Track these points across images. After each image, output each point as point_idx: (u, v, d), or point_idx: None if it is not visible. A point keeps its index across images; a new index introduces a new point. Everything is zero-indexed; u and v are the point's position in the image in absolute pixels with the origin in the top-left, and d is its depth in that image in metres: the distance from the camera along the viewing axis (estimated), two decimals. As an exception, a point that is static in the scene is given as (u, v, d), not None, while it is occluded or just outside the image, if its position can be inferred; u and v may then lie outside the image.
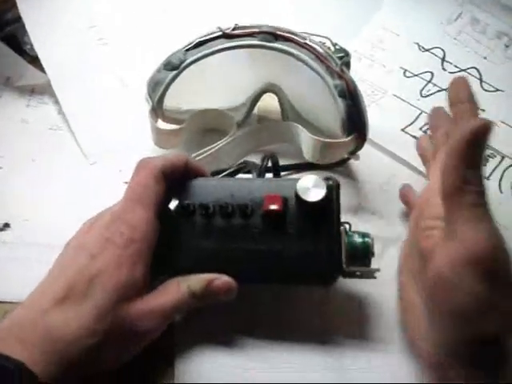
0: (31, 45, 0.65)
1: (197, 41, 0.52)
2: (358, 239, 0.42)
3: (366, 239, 0.42)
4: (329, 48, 0.53)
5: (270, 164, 0.49)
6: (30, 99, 0.63)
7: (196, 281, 0.40)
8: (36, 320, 0.36)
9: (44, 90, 0.63)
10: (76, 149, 0.58)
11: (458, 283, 0.35)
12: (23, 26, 0.65)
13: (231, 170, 0.50)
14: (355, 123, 0.50)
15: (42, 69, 0.63)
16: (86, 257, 0.39)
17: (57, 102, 0.62)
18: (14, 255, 0.50)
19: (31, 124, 0.61)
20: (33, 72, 0.64)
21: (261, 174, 0.48)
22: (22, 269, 0.49)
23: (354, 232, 0.43)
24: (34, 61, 0.65)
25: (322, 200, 0.41)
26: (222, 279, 0.40)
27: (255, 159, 0.55)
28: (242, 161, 0.51)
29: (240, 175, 0.50)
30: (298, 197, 0.41)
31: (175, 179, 0.43)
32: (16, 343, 0.35)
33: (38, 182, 0.56)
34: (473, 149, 0.36)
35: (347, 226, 0.44)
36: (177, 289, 0.40)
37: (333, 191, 0.42)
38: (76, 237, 0.42)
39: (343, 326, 0.45)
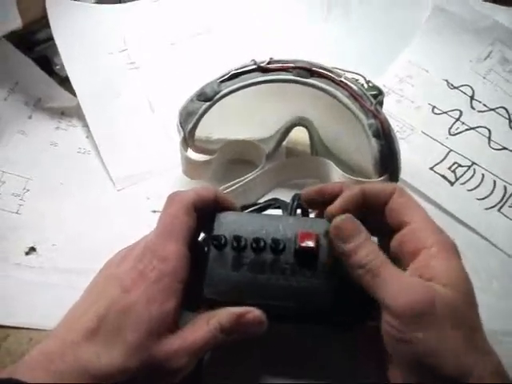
0: (62, 65, 0.65)
1: (232, 73, 0.53)
2: None
3: None
4: (362, 85, 0.53)
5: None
6: (60, 121, 0.63)
7: (226, 315, 0.39)
8: (66, 352, 0.36)
9: (73, 113, 0.64)
10: (104, 174, 0.59)
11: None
12: (54, 46, 0.66)
13: (261, 205, 0.50)
14: (388, 164, 0.50)
15: (72, 91, 0.64)
16: (119, 289, 0.38)
17: (86, 125, 0.62)
18: (40, 280, 0.50)
19: (60, 147, 0.61)
20: (63, 94, 0.64)
21: (291, 213, 0.48)
22: (48, 294, 0.49)
23: None
24: (64, 82, 0.65)
25: None
26: (253, 313, 0.40)
27: (283, 194, 0.55)
28: (271, 198, 0.51)
29: (269, 211, 0.50)
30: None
31: (205, 212, 0.43)
32: (45, 375, 0.35)
33: (65, 206, 0.56)
34: None
35: None
36: (206, 325, 0.39)
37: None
38: (108, 267, 0.42)
39: (368, 369, 0.44)
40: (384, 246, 0.41)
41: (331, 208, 0.43)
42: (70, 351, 0.36)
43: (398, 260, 0.39)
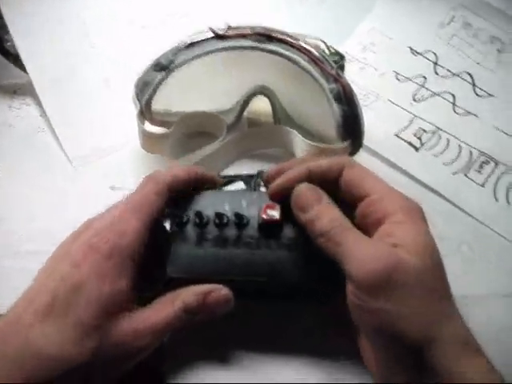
0: (12, 42, 0.62)
1: (187, 41, 0.51)
2: None
3: None
4: (323, 51, 0.51)
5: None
6: (13, 100, 0.61)
7: (190, 294, 0.38)
8: (18, 335, 0.34)
9: (26, 91, 0.61)
10: (60, 152, 0.56)
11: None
12: (4, 24, 0.63)
13: (224, 180, 0.49)
14: (351, 129, 0.48)
15: (24, 68, 0.61)
16: (69, 265, 0.36)
17: (39, 103, 0.59)
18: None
19: (13, 126, 0.58)
20: (14, 71, 0.61)
21: (254, 188, 0.47)
22: (4, 278, 0.47)
23: None
24: (17, 60, 0.62)
25: None
26: (219, 291, 0.38)
27: (246, 165, 0.54)
28: (233, 174, 0.50)
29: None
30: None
31: (184, 192, 0.43)
32: None
33: (19, 187, 0.53)
34: None
35: None
36: (170, 305, 0.37)
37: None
38: (62, 244, 0.40)
39: (340, 342, 0.43)
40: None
41: (271, 187, 0.42)
42: (23, 334, 0.34)
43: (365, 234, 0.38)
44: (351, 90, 0.49)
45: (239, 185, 0.51)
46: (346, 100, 0.48)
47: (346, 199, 0.40)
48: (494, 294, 0.48)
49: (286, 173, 0.41)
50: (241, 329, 0.43)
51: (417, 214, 0.38)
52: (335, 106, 0.48)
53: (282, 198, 0.41)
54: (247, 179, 0.49)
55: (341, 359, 0.42)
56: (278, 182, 0.41)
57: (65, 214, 0.50)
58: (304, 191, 0.39)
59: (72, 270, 0.36)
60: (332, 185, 0.40)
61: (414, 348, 0.33)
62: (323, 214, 0.38)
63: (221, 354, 0.42)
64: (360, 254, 0.35)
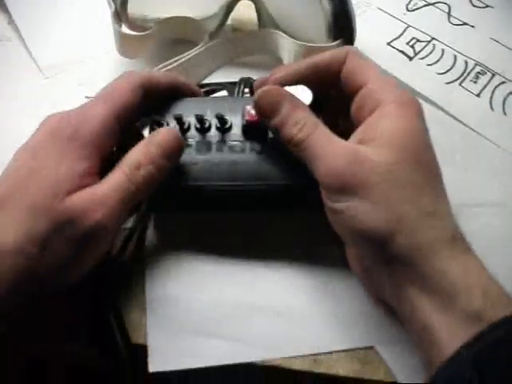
0: None
1: None
2: None
3: None
4: None
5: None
6: (-26, 7, 0.56)
7: (137, 150, 0.36)
8: None
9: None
10: (30, 62, 0.53)
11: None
12: None
13: (206, 88, 0.46)
14: (343, 26, 0.45)
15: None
16: (28, 154, 0.34)
17: (6, 10, 0.55)
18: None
19: (-24, 35, 0.54)
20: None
21: (238, 95, 0.45)
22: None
23: None
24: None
25: (311, 105, 0.37)
26: (162, 132, 0.36)
27: (230, 74, 0.51)
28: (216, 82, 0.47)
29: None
30: None
31: (157, 97, 0.40)
32: None
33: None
34: None
35: None
36: (119, 169, 0.35)
37: (319, 100, 0.38)
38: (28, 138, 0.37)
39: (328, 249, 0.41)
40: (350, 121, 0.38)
41: (270, 79, 0.39)
42: None
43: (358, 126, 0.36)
44: (342, -14, 0.45)
45: (222, 94, 0.49)
46: (337, -4, 0.45)
47: (346, 91, 0.38)
48: (488, 203, 0.46)
49: (288, 67, 0.39)
50: (226, 239, 0.41)
51: (411, 108, 0.36)
52: (325, 1, 0.44)
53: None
54: (230, 88, 0.47)
55: (327, 264, 0.41)
56: (276, 75, 0.39)
57: (37, 125, 0.47)
58: (265, 96, 0.36)
59: (29, 159, 0.34)
60: (333, 79, 0.38)
61: (380, 242, 0.32)
62: (288, 118, 0.35)
63: (198, 270, 0.40)
64: (324, 156, 0.33)
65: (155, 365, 0.36)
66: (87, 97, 0.49)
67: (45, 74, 0.52)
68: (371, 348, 0.38)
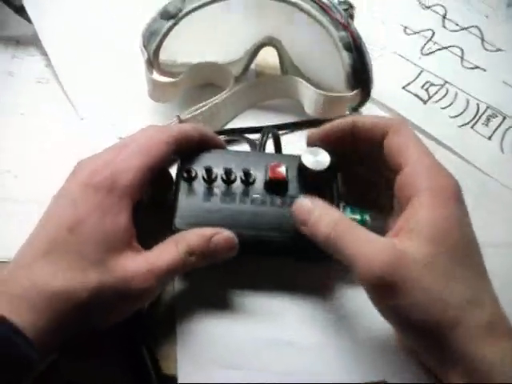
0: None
1: (195, -11, 0.50)
2: (356, 216, 0.41)
3: (365, 216, 0.41)
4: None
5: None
6: (16, 50, 0.60)
7: (195, 236, 0.38)
8: (21, 274, 0.34)
9: (30, 42, 0.60)
10: (66, 103, 0.56)
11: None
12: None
13: (228, 138, 0.50)
14: (360, 77, 0.48)
15: (28, 19, 0.60)
16: (67, 204, 0.36)
17: (44, 53, 0.59)
18: (2, 212, 0.48)
19: (18, 76, 0.58)
20: (18, 22, 0.60)
21: (260, 149, 0.49)
22: (10, 226, 0.46)
23: (353, 208, 0.42)
24: (20, 10, 0.61)
25: (326, 170, 0.40)
26: (223, 234, 0.38)
27: (254, 116, 0.54)
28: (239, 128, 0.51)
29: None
30: (301, 165, 0.41)
31: (187, 150, 0.42)
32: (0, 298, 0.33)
33: (26, 137, 0.53)
34: None
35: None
36: (174, 248, 0.37)
37: (335, 164, 0.41)
38: (60, 189, 0.39)
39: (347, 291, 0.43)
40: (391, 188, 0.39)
41: (314, 132, 0.42)
42: (25, 273, 0.34)
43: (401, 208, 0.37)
44: (360, 39, 0.48)
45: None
46: (355, 48, 0.48)
47: (389, 164, 0.39)
48: (504, 244, 0.48)
49: (332, 122, 0.41)
50: (245, 283, 0.43)
51: (446, 193, 0.36)
52: (344, 54, 0.48)
53: (320, 142, 0.41)
54: (252, 142, 0.50)
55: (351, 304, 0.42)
56: (322, 127, 0.41)
57: (72, 163, 0.50)
58: (298, 206, 0.38)
59: (69, 210, 0.36)
60: (373, 144, 0.39)
61: (431, 334, 0.33)
62: (320, 220, 0.37)
63: (227, 304, 0.42)
64: (361, 256, 0.34)
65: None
66: (120, 138, 0.53)
67: (80, 115, 0.55)
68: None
